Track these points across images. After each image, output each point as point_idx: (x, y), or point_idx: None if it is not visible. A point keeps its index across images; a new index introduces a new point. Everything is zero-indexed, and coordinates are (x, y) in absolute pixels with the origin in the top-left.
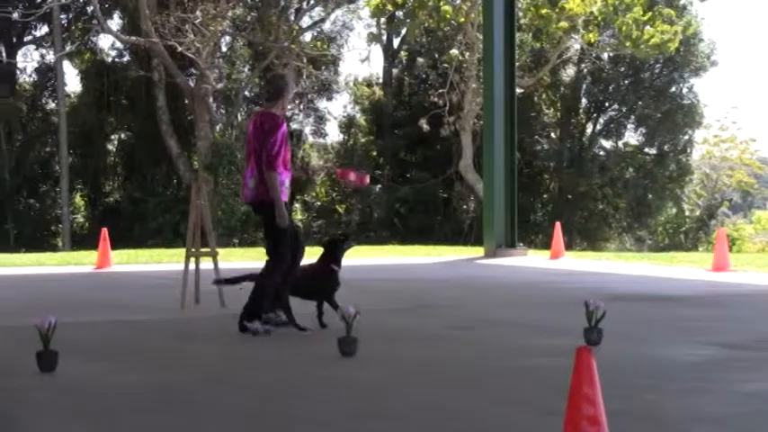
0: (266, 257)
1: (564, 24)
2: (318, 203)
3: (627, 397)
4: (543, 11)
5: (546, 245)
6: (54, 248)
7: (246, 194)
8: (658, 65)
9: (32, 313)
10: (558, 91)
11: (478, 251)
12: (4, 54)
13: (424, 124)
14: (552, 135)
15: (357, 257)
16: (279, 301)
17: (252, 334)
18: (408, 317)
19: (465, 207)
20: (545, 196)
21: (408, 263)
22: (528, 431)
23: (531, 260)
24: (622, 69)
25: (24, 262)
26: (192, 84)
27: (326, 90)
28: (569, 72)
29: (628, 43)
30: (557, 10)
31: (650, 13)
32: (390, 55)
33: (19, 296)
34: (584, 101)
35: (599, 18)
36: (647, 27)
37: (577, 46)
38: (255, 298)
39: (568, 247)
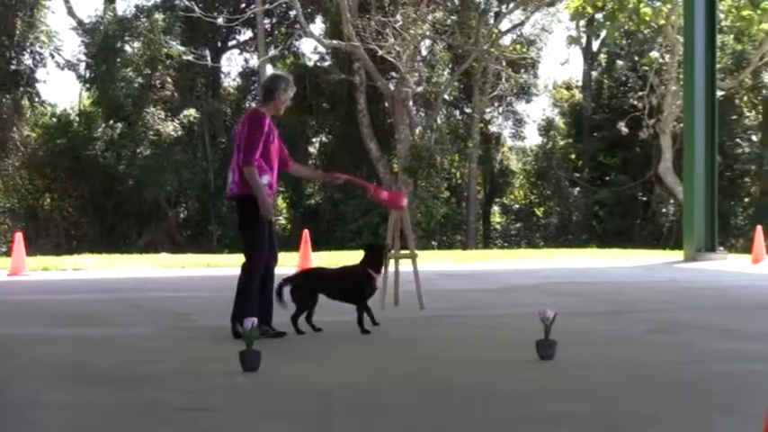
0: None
1: (766, 26)
2: (516, 206)
3: None
4: (745, 12)
5: (746, 249)
6: None
7: (228, 190)
8: None
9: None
10: (760, 93)
11: (678, 255)
12: (209, 58)
13: (622, 127)
14: (753, 138)
15: (555, 260)
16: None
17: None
18: (607, 321)
19: (664, 210)
20: (746, 200)
21: (607, 266)
22: None
23: (731, 264)
24: None
25: (227, 263)
26: (392, 87)
27: (525, 93)
28: None
29: None
30: (759, 12)
31: None
32: (590, 57)
33: (222, 297)
34: None
35: None
36: None
37: None
38: (239, 301)
39: None
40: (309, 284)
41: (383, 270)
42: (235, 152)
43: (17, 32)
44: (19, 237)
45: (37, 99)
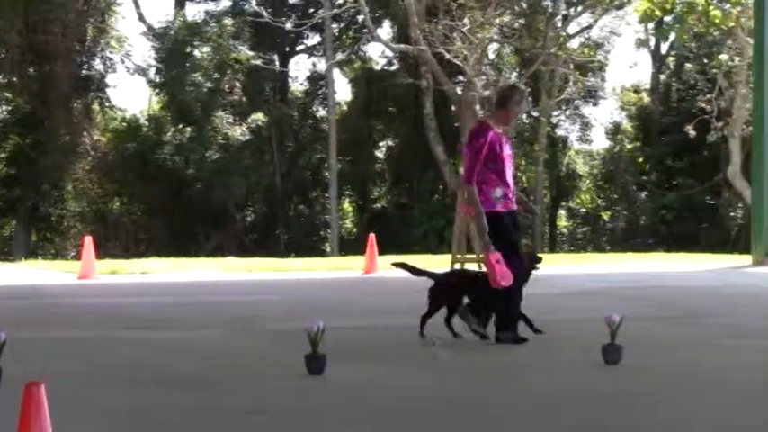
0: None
1: None
2: (583, 210)
3: None
4: None
5: None
6: (322, 253)
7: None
8: None
9: (301, 317)
10: None
11: (746, 259)
12: (277, 63)
13: (690, 130)
14: None
15: (623, 264)
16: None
17: (512, 342)
18: (676, 326)
19: (732, 214)
20: None
21: (675, 270)
22: None
23: None
24: None
25: (294, 267)
26: (459, 91)
27: (592, 96)
28: None
29: None
30: None
31: None
32: (658, 60)
33: (288, 300)
34: None
35: None
36: None
37: None
38: (503, 307)
39: None
40: (450, 285)
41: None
42: None
43: (88, 38)
44: (88, 240)
45: (107, 104)
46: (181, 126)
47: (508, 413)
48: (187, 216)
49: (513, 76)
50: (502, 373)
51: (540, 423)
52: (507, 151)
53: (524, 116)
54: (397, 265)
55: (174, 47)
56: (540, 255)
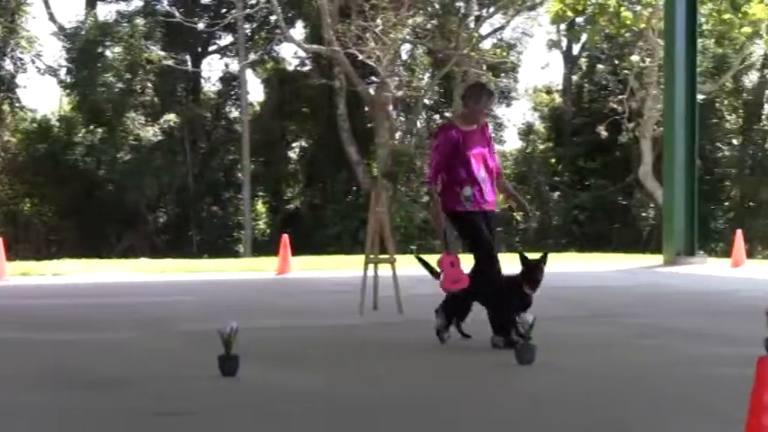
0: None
1: (747, 30)
2: (496, 210)
3: None
4: (726, 16)
5: (726, 253)
6: (236, 255)
7: None
8: None
9: (214, 318)
10: (741, 97)
11: (657, 259)
12: (189, 63)
13: (602, 131)
14: (734, 142)
15: None
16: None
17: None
18: (587, 325)
19: (644, 214)
20: (726, 204)
21: (587, 270)
22: None
23: (711, 268)
24: None
25: (206, 267)
26: (372, 92)
27: (505, 97)
28: (752, 78)
29: None
30: (740, 15)
31: None
32: (570, 61)
33: (201, 301)
34: (766, 107)
35: None
36: None
37: (761, 51)
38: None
39: (749, 255)
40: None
41: (537, 287)
42: None
43: None
44: None
45: (17, 104)
46: (92, 127)
47: (415, 415)
48: (99, 217)
49: (426, 77)
50: (415, 374)
51: (447, 423)
52: (478, 149)
53: (437, 116)
54: (418, 259)
55: (85, 47)
56: (546, 253)
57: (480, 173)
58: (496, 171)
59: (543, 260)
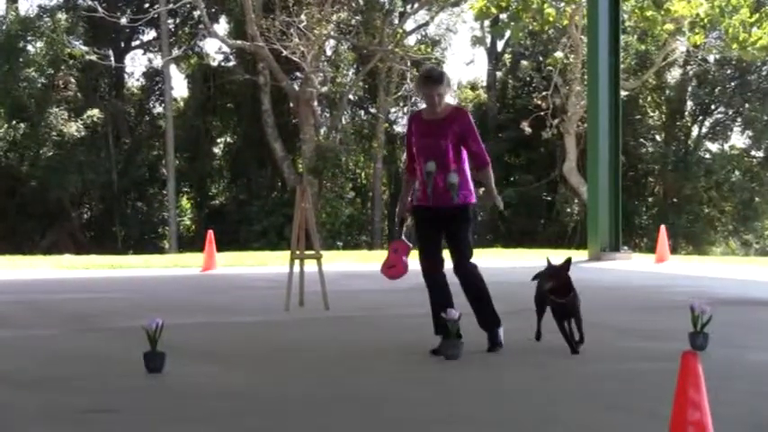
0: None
1: (669, 27)
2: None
3: (734, 403)
4: (648, 13)
5: (650, 248)
6: (161, 251)
7: None
8: (765, 67)
9: (140, 315)
10: (664, 93)
11: (582, 254)
12: (112, 58)
13: (526, 127)
14: (657, 138)
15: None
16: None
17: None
18: (512, 321)
19: (569, 210)
20: (650, 199)
21: (511, 266)
22: None
23: (635, 264)
24: (729, 72)
25: (131, 264)
26: (296, 87)
27: None
28: (675, 74)
29: (734, 45)
30: (662, 12)
31: (757, 15)
32: (494, 58)
33: (126, 298)
34: (689, 103)
35: (705, 20)
36: (755, 29)
37: (683, 48)
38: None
39: (673, 250)
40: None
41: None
42: None
43: None
44: None
45: None
46: (14, 122)
47: (337, 410)
48: (22, 214)
49: (351, 73)
50: (340, 370)
51: (370, 419)
52: (427, 140)
53: (362, 113)
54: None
55: (6, 42)
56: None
57: (428, 166)
58: (479, 161)
59: (565, 266)
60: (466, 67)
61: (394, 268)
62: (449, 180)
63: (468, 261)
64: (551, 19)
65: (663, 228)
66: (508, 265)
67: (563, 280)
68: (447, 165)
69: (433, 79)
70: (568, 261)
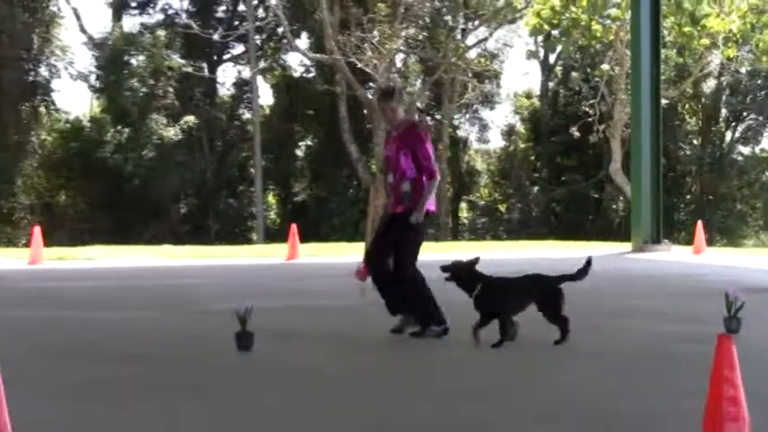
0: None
1: (705, 41)
2: (482, 203)
3: (765, 382)
4: (686, 29)
5: (688, 242)
6: (249, 242)
7: None
8: None
9: (231, 299)
10: (700, 102)
11: (626, 247)
12: (206, 70)
13: (575, 132)
14: (694, 142)
15: (516, 251)
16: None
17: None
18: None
19: (614, 207)
20: (687, 197)
21: (561, 256)
22: (673, 409)
23: (675, 255)
24: (759, 82)
25: (223, 254)
26: (370, 96)
27: (489, 101)
28: (710, 84)
29: (765, 58)
30: (698, 28)
31: None
32: (547, 69)
33: (218, 284)
34: (723, 110)
35: (737, 35)
36: None
37: (717, 61)
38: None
39: (709, 243)
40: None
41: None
42: None
43: (34, 47)
44: (37, 230)
45: (53, 107)
46: (119, 127)
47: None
48: (126, 208)
49: (418, 83)
50: (404, 347)
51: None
52: (386, 154)
53: (428, 118)
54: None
55: (112, 55)
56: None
57: (388, 177)
58: (425, 173)
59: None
60: (522, 77)
61: (356, 272)
62: (401, 189)
63: (404, 266)
64: (598, 34)
65: (699, 223)
66: (560, 256)
67: (462, 275)
68: (403, 175)
69: (384, 95)
70: (475, 259)
